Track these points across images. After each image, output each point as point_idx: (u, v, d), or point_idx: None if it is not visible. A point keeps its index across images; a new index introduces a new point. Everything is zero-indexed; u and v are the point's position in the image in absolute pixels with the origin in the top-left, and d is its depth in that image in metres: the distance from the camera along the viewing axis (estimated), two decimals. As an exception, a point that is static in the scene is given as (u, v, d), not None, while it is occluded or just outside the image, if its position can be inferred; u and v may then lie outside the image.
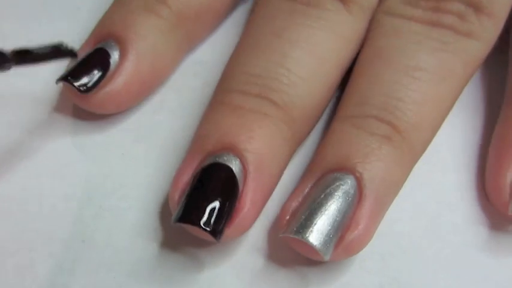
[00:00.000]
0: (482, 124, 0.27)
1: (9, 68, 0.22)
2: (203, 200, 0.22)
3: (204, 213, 0.22)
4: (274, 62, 0.25)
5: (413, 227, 0.25)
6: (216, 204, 0.22)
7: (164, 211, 0.25)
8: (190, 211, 0.22)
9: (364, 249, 0.24)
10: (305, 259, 0.24)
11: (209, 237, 0.22)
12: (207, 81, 0.28)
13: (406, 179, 0.25)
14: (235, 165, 0.23)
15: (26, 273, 0.23)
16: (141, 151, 0.26)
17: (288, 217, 0.23)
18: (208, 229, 0.22)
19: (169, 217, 0.25)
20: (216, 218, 0.22)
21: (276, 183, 0.24)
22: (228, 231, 0.23)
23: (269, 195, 0.24)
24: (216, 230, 0.22)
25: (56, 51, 0.24)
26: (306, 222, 0.22)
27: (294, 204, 0.23)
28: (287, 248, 0.24)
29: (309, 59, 0.25)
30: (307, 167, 0.25)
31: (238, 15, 0.30)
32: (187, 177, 0.23)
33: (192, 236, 0.24)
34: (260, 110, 0.24)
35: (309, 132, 0.26)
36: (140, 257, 0.24)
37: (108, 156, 0.26)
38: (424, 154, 0.26)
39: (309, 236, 0.22)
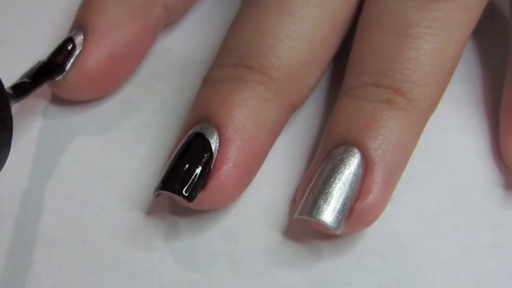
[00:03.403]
0: (483, 124, 0.27)
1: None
2: (177, 168, 0.23)
3: (178, 179, 0.23)
4: (249, 29, 0.25)
5: (413, 227, 0.25)
6: (189, 169, 0.23)
7: (164, 211, 0.25)
8: (167, 179, 0.23)
9: (364, 249, 0.24)
10: (318, 233, 0.24)
11: (185, 202, 0.23)
12: (207, 81, 0.28)
13: (418, 138, 0.24)
14: (209, 132, 0.23)
15: (26, 273, 0.23)
16: (141, 151, 0.26)
17: (300, 199, 0.23)
18: (180, 194, 0.22)
19: (170, 218, 0.25)
20: (191, 182, 0.23)
21: (262, 143, 0.24)
22: (206, 194, 0.23)
23: (256, 157, 0.24)
24: (191, 194, 0.22)
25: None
26: (314, 202, 0.23)
27: (306, 185, 0.23)
28: (301, 224, 0.24)
29: (284, 19, 0.25)
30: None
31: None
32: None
33: (194, 235, 0.24)
34: (234, 77, 0.24)
35: (301, 93, 0.25)
36: (140, 257, 0.24)
37: (108, 157, 0.26)
38: (424, 153, 0.26)
39: (317, 215, 0.22)
